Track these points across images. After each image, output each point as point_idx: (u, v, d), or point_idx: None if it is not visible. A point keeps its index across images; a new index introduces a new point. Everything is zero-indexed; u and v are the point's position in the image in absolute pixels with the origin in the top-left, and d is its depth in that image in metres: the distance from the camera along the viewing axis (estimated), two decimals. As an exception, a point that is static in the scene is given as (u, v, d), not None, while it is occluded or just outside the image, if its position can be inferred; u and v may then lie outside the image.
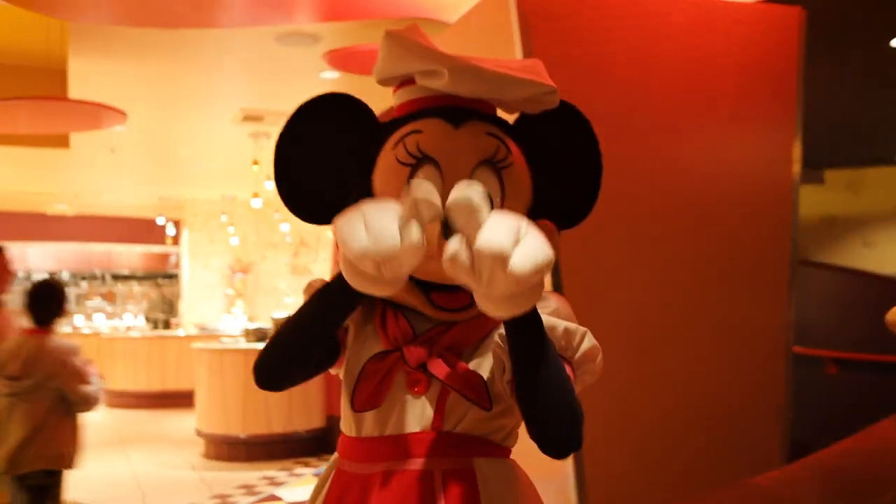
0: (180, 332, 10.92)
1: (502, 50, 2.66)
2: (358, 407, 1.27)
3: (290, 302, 11.98)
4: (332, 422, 6.94)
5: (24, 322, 3.59)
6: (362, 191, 1.27)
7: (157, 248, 14.76)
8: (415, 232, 1.02)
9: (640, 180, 2.82)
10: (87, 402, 3.61)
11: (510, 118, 1.38)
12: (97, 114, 6.14)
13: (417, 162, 1.23)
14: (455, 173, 1.21)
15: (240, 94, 6.76)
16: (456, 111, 1.27)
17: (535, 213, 1.29)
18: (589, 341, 1.25)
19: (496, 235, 0.96)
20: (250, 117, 7.28)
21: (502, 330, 1.22)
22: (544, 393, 1.14)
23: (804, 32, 3.10)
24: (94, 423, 9.01)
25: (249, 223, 12.12)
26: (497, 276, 0.96)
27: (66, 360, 3.46)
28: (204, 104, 7.05)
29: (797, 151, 3.12)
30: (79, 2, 4.20)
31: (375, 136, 1.31)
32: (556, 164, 1.37)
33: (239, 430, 6.78)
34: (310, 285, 1.27)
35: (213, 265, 12.24)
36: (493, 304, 1.01)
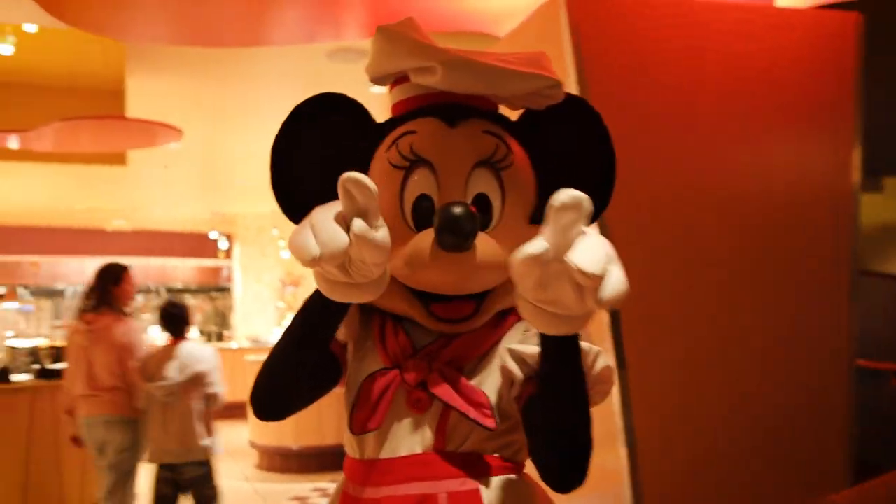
0: (233, 345, 11.04)
1: (554, 62, 2.64)
2: (356, 429, 1.20)
3: (282, 306, 12.06)
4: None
5: (156, 333, 4.42)
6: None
7: (209, 262, 14.97)
8: (358, 225, 0.95)
9: (694, 191, 2.76)
10: (218, 401, 4.16)
11: (514, 114, 1.31)
12: (153, 131, 6.26)
13: (411, 164, 1.18)
14: (451, 176, 1.17)
15: (289, 107, 6.84)
16: (452, 109, 1.21)
17: (541, 214, 1.22)
18: (603, 361, 1.15)
19: (597, 258, 0.89)
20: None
21: (509, 343, 1.18)
22: (566, 420, 1.07)
23: (862, 37, 3.02)
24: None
25: (300, 233, 12.23)
26: (573, 295, 0.90)
27: (203, 365, 4.07)
28: (256, 120, 7.14)
29: (857, 159, 3.03)
30: (135, 24, 4.28)
31: (372, 137, 1.26)
32: (564, 161, 1.27)
33: (291, 441, 6.82)
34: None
35: (264, 279, 12.37)
36: (546, 320, 0.95)
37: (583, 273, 0.86)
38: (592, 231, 0.93)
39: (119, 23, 4.26)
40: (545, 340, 1.03)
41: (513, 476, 1.19)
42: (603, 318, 2.62)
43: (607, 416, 2.69)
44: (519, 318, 1.18)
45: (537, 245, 0.90)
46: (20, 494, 4.51)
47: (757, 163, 2.90)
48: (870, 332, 3.30)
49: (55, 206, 11.26)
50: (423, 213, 1.16)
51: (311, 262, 0.97)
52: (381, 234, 0.97)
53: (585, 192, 1.26)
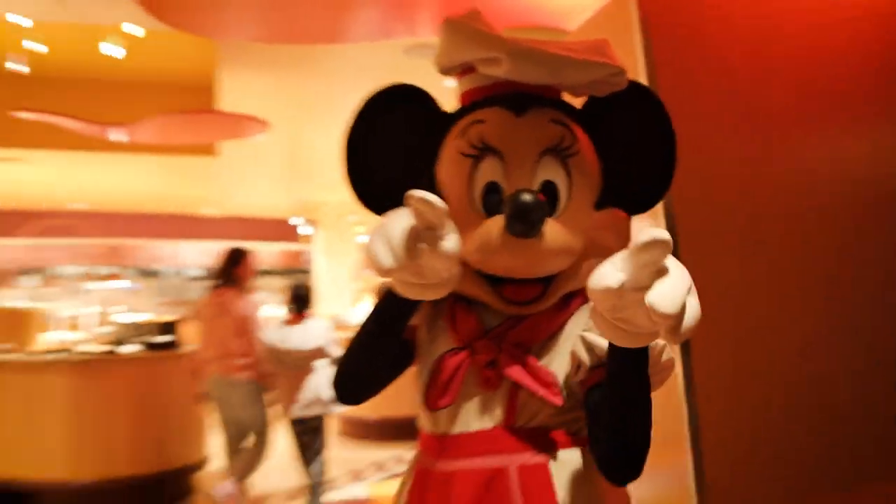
0: (315, 323, 11.27)
1: (624, 55, 2.63)
2: (431, 405, 1.20)
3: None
4: (455, 406, 7.03)
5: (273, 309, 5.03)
6: (429, 182, 1.21)
7: (292, 246, 15.25)
8: (428, 238, 0.98)
9: (762, 180, 2.72)
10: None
11: (578, 102, 1.28)
12: (242, 124, 6.40)
13: (480, 153, 1.16)
14: (519, 164, 1.15)
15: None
16: (519, 98, 1.19)
17: (605, 199, 1.22)
18: (667, 354, 1.14)
19: (676, 299, 0.85)
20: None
21: (576, 326, 1.18)
22: (628, 420, 1.06)
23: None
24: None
25: (376, 222, 12.34)
26: (647, 322, 0.89)
27: (324, 338, 4.53)
28: (336, 113, 7.23)
29: (928, 149, 2.94)
30: (227, 23, 4.39)
31: (441, 126, 1.25)
32: (627, 147, 1.26)
33: (370, 412, 6.94)
34: (379, 289, 1.22)
35: (342, 261, 12.55)
36: (619, 335, 0.94)
37: (661, 315, 0.84)
38: (672, 263, 0.89)
39: (213, 23, 4.38)
40: (614, 346, 1.01)
41: (578, 450, 1.18)
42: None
43: (671, 389, 2.69)
44: (584, 301, 1.19)
45: (613, 278, 0.87)
46: (130, 447, 4.72)
47: (827, 153, 2.83)
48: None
49: (153, 194, 11.58)
50: (492, 200, 1.16)
51: (386, 272, 0.99)
52: (450, 243, 0.99)
53: (646, 176, 1.27)
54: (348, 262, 12.58)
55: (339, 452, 6.49)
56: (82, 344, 5.31)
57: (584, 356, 1.12)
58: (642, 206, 1.29)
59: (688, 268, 0.89)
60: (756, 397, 2.73)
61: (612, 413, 1.07)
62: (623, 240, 1.20)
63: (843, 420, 2.85)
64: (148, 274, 14.36)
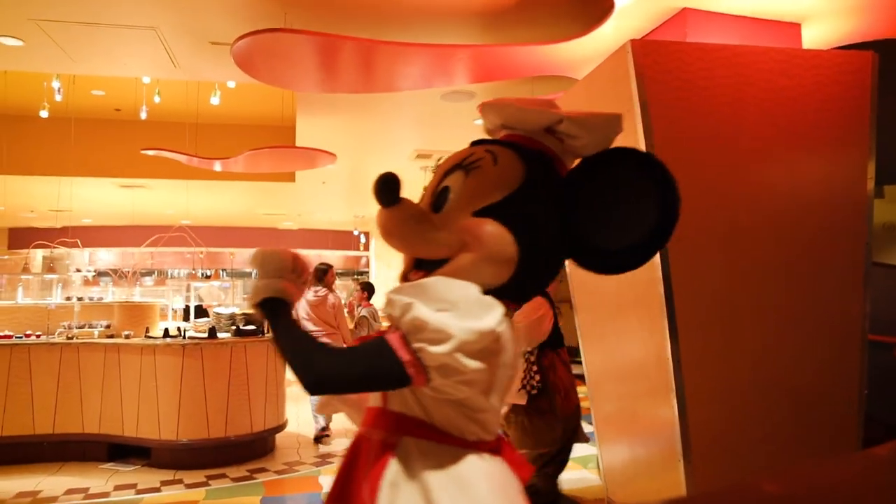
0: (371, 314, 11.27)
1: (623, 98, 2.55)
2: None
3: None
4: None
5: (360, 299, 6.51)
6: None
7: (352, 253, 15.32)
8: None
9: (737, 198, 2.63)
10: None
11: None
12: (315, 157, 6.42)
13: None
14: (440, 171, 1.17)
15: (414, 138, 6.90)
16: (482, 140, 1.20)
17: (574, 250, 1.11)
18: (412, 313, 0.98)
19: None
20: (422, 155, 7.41)
21: None
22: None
23: (877, 71, 2.80)
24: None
25: (419, 234, 12.36)
26: None
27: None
28: (388, 147, 7.25)
29: (871, 171, 2.82)
30: (303, 79, 4.40)
31: None
32: (610, 209, 1.08)
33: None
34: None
35: (393, 265, 12.55)
36: None
37: None
38: None
39: (292, 78, 4.38)
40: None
41: (436, 442, 1.05)
42: (658, 293, 2.53)
43: (662, 374, 2.60)
44: None
45: None
46: (223, 416, 4.73)
47: (791, 175, 2.74)
48: (876, 311, 3.08)
49: (244, 212, 11.76)
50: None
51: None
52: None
53: (622, 238, 1.07)
54: (398, 265, 12.59)
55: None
56: (187, 331, 5.33)
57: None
58: (630, 264, 1.10)
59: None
60: (736, 379, 2.64)
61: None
62: (489, 248, 1.05)
63: (807, 393, 2.75)
64: (238, 275, 14.54)
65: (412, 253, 1.14)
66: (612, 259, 1.09)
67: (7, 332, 5.07)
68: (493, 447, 1.10)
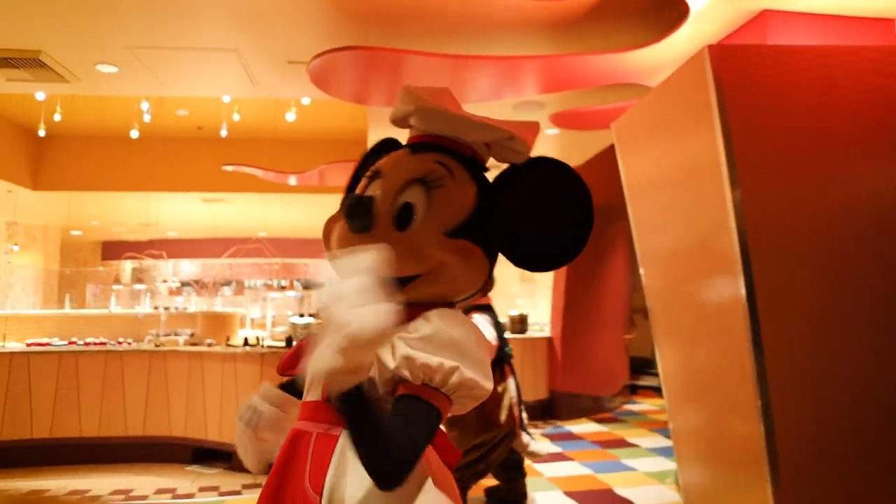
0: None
1: (700, 105, 2.49)
2: (278, 369, 1.24)
3: (520, 303, 12.02)
4: (554, 395, 6.86)
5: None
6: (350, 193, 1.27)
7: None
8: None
9: (825, 206, 2.51)
10: None
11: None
12: (386, 169, 6.53)
13: (373, 175, 1.18)
14: (391, 186, 1.13)
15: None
16: (422, 144, 1.19)
17: (509, 251, 1.17)
18: (459, 376, 1.02)
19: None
20: (493, 165, 7.42)
21: (404, 333, 1.05)
22: (362, 453, 0.96)
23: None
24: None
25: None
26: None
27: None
28: (458, 158, 7.29)
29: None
30: (374, 93, 4.51)
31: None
32: (534, 213, 1.16)
33: (485, 397, 6.89)
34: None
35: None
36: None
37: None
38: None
39: (364, 93, 4.50)
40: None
41: None
42: (741, 305, 2.45)
43: (746, 391, 2.51)
44: (424, 311, 1.09)
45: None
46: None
47: (887, 182, 2.60)
48: None
49: (317, 224, 12.06)
50: None
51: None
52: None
53: (548, 240, 1.15)
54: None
55: (460, 428, 6.46)
56: (265, 339, 5.53)
57: (387, 358, 1.04)
58: (544, 265, 1.18)
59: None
60: (828, 398, 2.51)
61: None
62: (471, 269, 1.13)
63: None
64: (312, 286, 14.89)
65: (393, 273, 1.07)
66: (535, 258, 1.18)
67: (102, 339, 5.40)
68: None
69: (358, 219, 1.08)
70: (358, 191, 1.21)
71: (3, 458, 4.95)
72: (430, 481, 1.07)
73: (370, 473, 0.95)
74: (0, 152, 7.98)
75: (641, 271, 3.60)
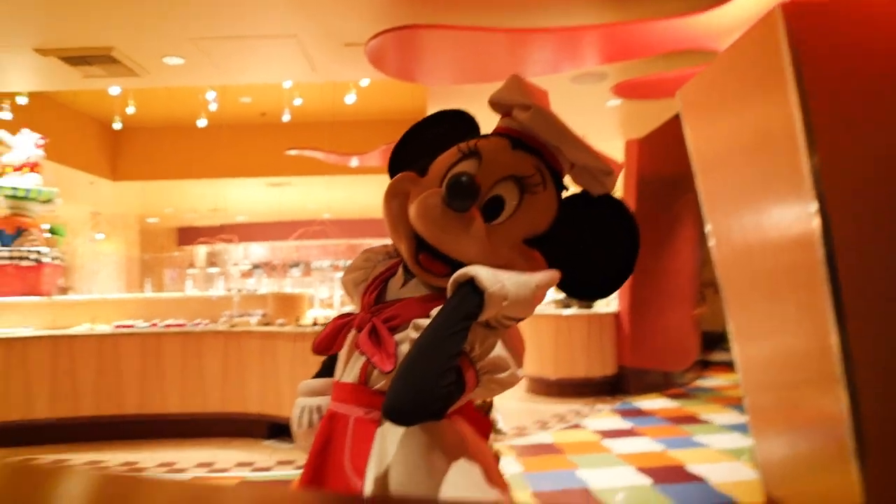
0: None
1: (773, 68, 2.37)
2: (313, 348, 1.25)
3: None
4: (623, 370, 6.77)
5: None
6: (425, 166, 1.20)
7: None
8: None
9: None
10: None
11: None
12: (446, 147, 6.53)
13: (468, 153, 1.15)
14: (489, 172, 1.13)
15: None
16: (522, 142, 1.17)
17: (535, 243, 1.15)
18: (497, 354, 1.05)
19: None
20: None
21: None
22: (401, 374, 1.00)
23: None
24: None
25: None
26: None
27: None
28: (518, 133, 7.21)
29: None
30: (432, 71, 4.50)
31: (469, 135, 1.25)
32: (595, 246, 1.17)
33: (551, 373, 6.87)
34: None
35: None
36: None
37: None
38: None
39: (422, 72, 4.50)
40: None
41: None
42: (821, 276, 2.34)
43: (827, 364, 2.40)
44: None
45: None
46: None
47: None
48: None
49: (380, 204, 12.19)
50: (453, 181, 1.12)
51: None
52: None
53: (597, 273, 1.17)
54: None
55: (527, 406, 6.49)
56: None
57: (413, 335, 1.08)
58: (590, 296, 1.21)
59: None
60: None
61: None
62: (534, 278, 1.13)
63: None
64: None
65: (453, 252, 1.10)
66: (581, 288, 1.20)
67: (181, 321, 5.66)
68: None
69: (461, 198, 1.06)
70: (446, 163, 1.18)
71: (98, 432, 5.29)
72: (462, 460, 1.08)
73: (388, 399, 0.99)
74: (82, 146, 8.41)
75: (711, 244, 3.48)
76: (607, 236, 1.18)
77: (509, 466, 4.32)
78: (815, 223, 2.34)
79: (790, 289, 2.66)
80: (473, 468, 1.08)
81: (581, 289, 1.20)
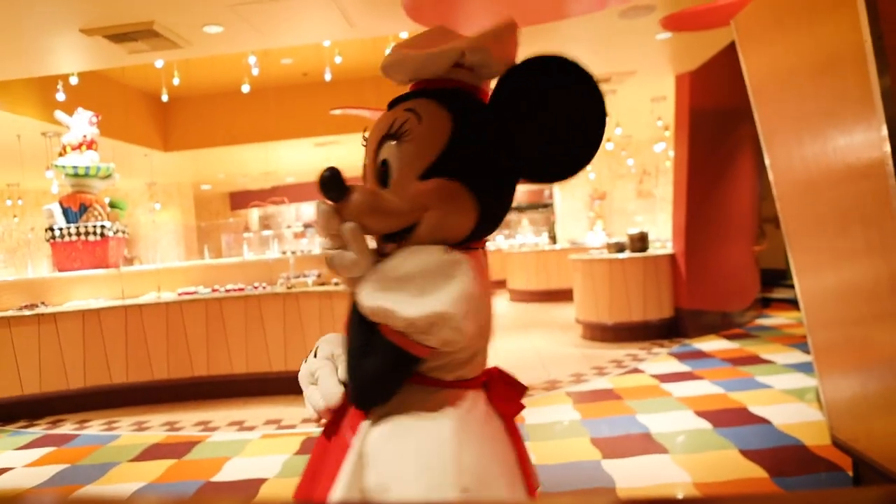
0: (557, 246, 11.25)
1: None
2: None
3: (639, 220, 11.65)
4: (680, 312, 6.66)
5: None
6: None
7: (534, 187, 15.26)
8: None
9: None
10: None
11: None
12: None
13: (365, 143, 1.22)
14: (369, 144, 1.20)
15: (590, 62, 6.46)
16: (399, 98, 1.20)
17: (514, 165, 1.14)
18: (432, 307, 1.02)
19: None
20: (600, 80, 7.02)
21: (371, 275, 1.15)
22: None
23: None
24: (502, 312, 9.74)
25: (603, 161, 11.96)
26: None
27: None
28: (562, 76, 6.99)
29: None
30: (471, 18, 4.37)
31: None
32: (540, 117, 1.10)
33: (606, 318, 6.83)
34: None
35: (577, 195, 12.34)
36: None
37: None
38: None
39: (459, 20, 4.38)
40: None
41: (412, 384, 1.12)
42: (891, 208, 2.22)
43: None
44: None
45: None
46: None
47: None
48: None
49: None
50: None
51: (321, 413, 1.16)
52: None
53: (562, 143, 1.11)
54: (581, 195, 12.33)
55: (583, 352, 6.48)
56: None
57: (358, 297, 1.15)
58: (564, 173, 1.14)
59: None
60: None
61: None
62: (454, 205, 1.11)
63: None
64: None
65: (380, 232, 1.15)
66: (554, 167, 1.14)
67: (240, 285, 5.84)
68: (476, 384, 1.17)
69: (329, 192, 1.10)
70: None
71: (172, 394, 5.58)
72: (445, 433, 1.07)
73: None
74: (134, 120, 8.62)
75: (771, 177, 3.33)
76: (561, 104, 1.11)
77: (567, 413, 4.35)
78: (886, 149, 2.21)
79: (858, 221, 2.54)
80: (436, 445, 1.06)
81: (547, 170, 1.14)
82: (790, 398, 4.28)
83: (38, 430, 5.08)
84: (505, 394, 1.22)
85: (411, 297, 1.03)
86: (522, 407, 1.25)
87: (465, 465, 1.04)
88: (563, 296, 9.63)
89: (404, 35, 6.02)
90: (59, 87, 6.36)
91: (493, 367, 1.25)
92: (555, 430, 4.06)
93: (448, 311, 1.02)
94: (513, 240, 14.13)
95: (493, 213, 1.17)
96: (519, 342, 7.21)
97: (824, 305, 3.09)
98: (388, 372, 1.08)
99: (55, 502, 0.36)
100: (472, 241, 1.17)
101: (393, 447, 1.06)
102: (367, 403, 1.11)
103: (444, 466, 1.02)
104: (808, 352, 3.35)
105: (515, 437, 1.22)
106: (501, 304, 10.65)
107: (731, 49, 3.95)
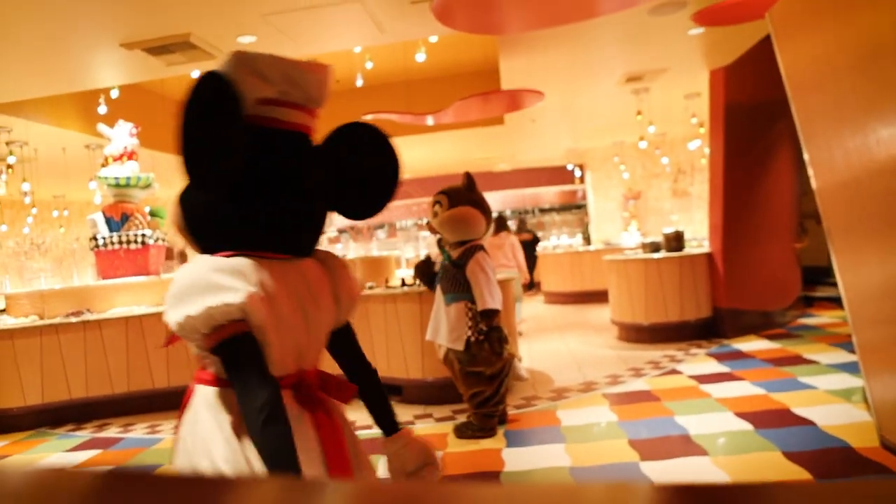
0: (591, 247, 11.16)
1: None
2: None
3: (674, 219, 11.47)
4: (718, 312, 6.53)
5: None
6: None
7: (567, 187, 15.15)
8: None
9: None
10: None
11: None
12: (522, 97, 6.38)
13: None
14: None
15: (622, 61, 6.51)
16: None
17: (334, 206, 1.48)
18: (174, 321, 1.31)
19: None
20: (632, 78, 6.98)
21: None
22: None
23: None
24: (537, 314, 9.68)
25: (637, 160, 11.82)
26: None
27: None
28: (595, 75, 6.95)
29: None
30: (500, 20, 4.37)
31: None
32: (347, 171, 1.46)
33: (642, 318, 6.73)
34: None
35: (610, 195, 12.24)
36: None
37: None
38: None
39: (491, 23, 4.38)
40: None
41: (207, 385, 1.37)
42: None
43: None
44: None
45: None
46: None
47: None
48: None
49: (459, 160, 12.20)
50: None
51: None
52: None
53: (359, 196, 1.49)
54: (615, 195, 12.21)
55: (620, 353, 6.40)
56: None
57: None
58: (366, 214, 1.50)
59: None
60: None
61: None
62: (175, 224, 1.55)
63: None
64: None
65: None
66: (357, 209, 1.48)
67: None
68: (290, 381, 1.36)
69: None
70: None
71: (212, 398, 5.69)
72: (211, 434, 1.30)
73: None
74: (171, 130, 8.81)
75: (811, 173, 3.25)
76: (359, 158, 1.49)
77: (604, 415, 4.30)
78: (931, 144, 2.13)
79: (903, 218, 2.46)
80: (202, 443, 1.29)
81: (352, 210, 1.47)
82: (835, 399, 4.15)
83: (85, 434, 5.24)
84: (338, 381, 1.54)
85: (173, 300, 1.35)
86: (352, 395, 1.52)
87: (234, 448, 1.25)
88: (598, 297, 9.53)
89: (434, 39, 6.05)
90: (101, 100, 6.55)
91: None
92: (592, 431, 4.02)
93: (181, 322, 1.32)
94: (546, 241, 14.04)
95: (262, 235, 1.45)
96: (554, 344, 7.16)
97: (869, 303, 3.00)
98: (238, 369, 1.31)
99: (92, 476, 0.38)
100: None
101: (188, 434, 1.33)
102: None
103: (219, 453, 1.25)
104: (853, 351, 3.25)
105: (327, 430, 1.38)
106: (536, 307, 10.58)
107: (766, 42, 3.85)
